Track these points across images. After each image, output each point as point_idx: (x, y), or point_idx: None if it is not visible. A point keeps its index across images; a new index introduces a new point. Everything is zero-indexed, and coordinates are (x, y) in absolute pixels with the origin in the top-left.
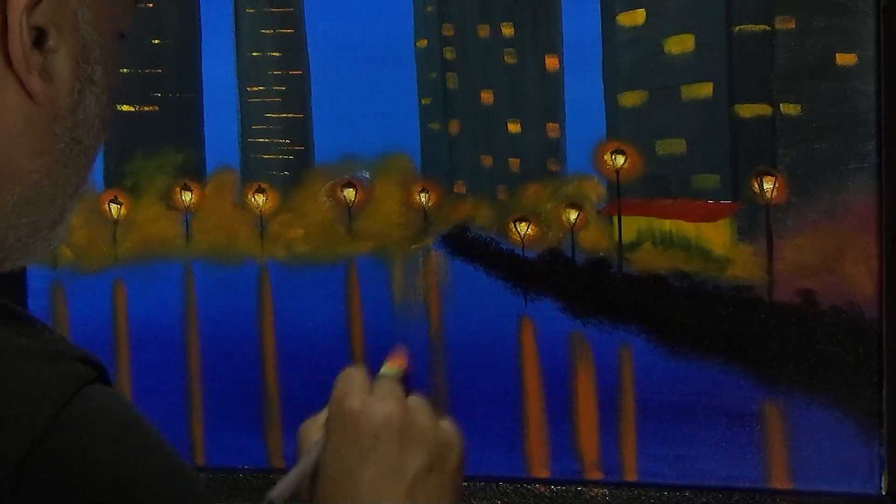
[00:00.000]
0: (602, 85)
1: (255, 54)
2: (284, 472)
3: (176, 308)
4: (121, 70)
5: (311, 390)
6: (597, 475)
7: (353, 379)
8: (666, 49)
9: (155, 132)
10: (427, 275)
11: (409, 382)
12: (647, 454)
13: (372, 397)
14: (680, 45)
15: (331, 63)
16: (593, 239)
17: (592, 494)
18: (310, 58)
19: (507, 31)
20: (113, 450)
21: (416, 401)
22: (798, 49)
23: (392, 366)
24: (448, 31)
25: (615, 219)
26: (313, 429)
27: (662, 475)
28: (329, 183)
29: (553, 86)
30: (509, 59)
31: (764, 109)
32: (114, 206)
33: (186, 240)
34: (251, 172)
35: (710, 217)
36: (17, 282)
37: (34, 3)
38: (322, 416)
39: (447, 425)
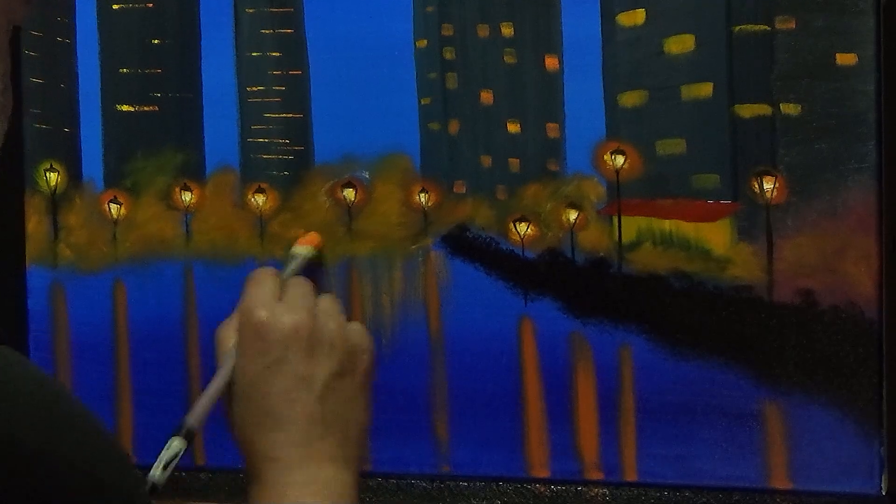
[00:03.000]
0: (602, 85)
1: (254, 54)
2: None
3: (176, 308)
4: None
5: None
6: (597, 475)
7: (261, 284)
8: (666, 49)
9: (155, 132)
10: (427, 275)
11: (320, 269)
12: (647, 454)
13: (280, 306)
14: (680, 45)
15: (331, 63)
16: (593, 239)
17: (592, 494)
18: (310, 58)
19: (507, 31)
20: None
21: (325, 305)
22: (798, 49)
23: (304, 244)
24: (448, 31)
25: (615, 219)
26: (229, 332)
27: (662, 475)
28: (329, 183)
29: (553, 86)
30: (509, 59)
31: (764, 109)
32: (113, 206)
33: (186, 240)
34: (251, 172)
35: (710, 217)
36: (17, 281)
37: None
38: (236, 320)
39: (357, 328)
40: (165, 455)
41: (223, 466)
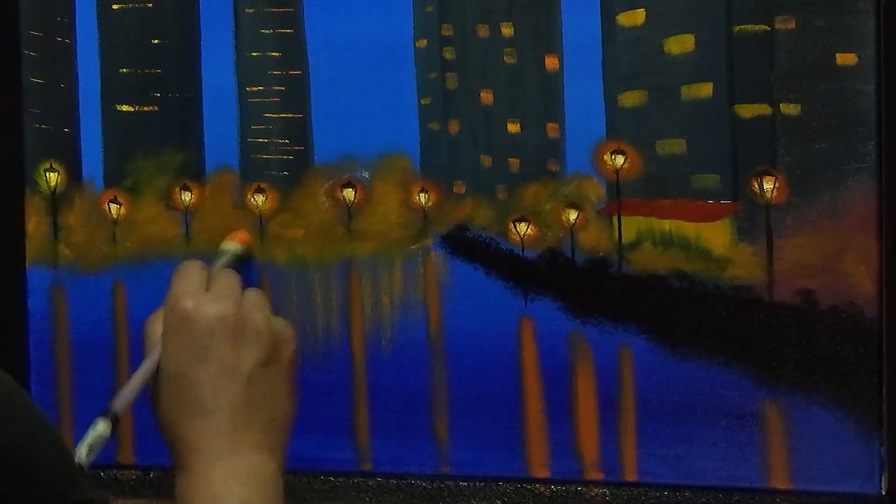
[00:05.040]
0: (602, 85)
1: (254, 54)
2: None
3: None
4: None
5: (312, 390)
6: (597, 475)
7: (188, 276)
8: (666, 49)
9: (154, 132)
10: (427, 275)
11: (248, 265)
12: (647, 454)
13: (206, 296)
14: (680, 45)
15: (331, 63)
16: (593, 239)
17: (592, 494)
18: (310, 58)
19: (507, 31)
20: None
21: (251, 297)
22: (798, 49)
23: (232, 241)
24: (448, 31)
25: (615, 219)
26: (157, 323)
27: (662, 475)
28: (329, 183)
29: (553, 86)
30: (509, 59)
31: (764, 109)
32: (113, 206)
33: (186, 240)
34: (251, 172)
35: (710, 217)
36: (17, 282)
37: None
38: (163, 312)
39: (281, 320)
40: (90, 436)
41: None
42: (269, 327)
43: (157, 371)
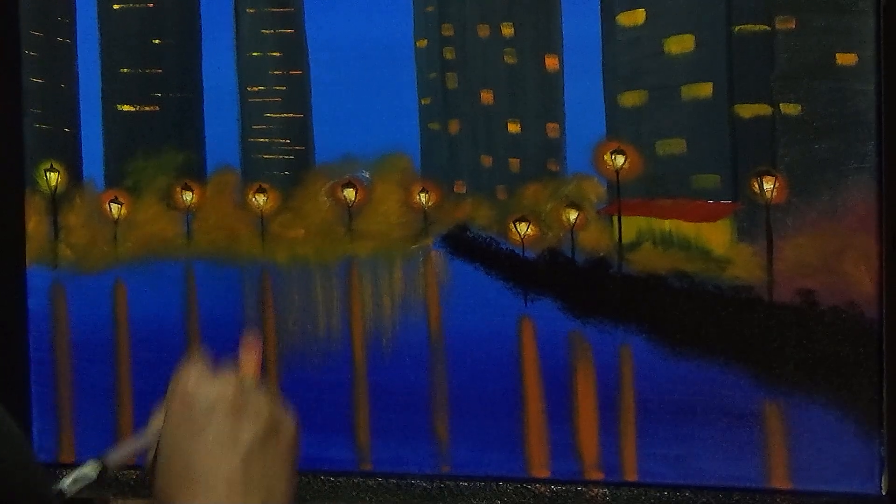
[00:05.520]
0: (602, 85)
1: (255, 54)
2: None
3: (176, 308)
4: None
5: (312, 390)
6: (597, 475)
7: (193, 362)
8: (666, 49)
9: (155, 132)
10: (427, 275)
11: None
12: (647, 454)
13: (208, 376)
14: (680, 45)
15: (331, 63)
16: (593, 239)
17: (592, 494)
18: (310, 58)
19: (507, 31)
20: None
21: (252, 380)
22: (798, 49)
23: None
24: (448, 31)
25: (615, 219)
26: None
27: (662, 475)
28: (329, 183)
29: (553, 86)
30: (509, 59)
31: (764, 109)
32: (114, 206)
33: (187, 240)
34: (251, 172)
35: (710, 217)
36: (17, 282)
37: None
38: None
39: (282, 403)
40: (78, 472)
41: None
42: (270, 407)
43: (156, 447)
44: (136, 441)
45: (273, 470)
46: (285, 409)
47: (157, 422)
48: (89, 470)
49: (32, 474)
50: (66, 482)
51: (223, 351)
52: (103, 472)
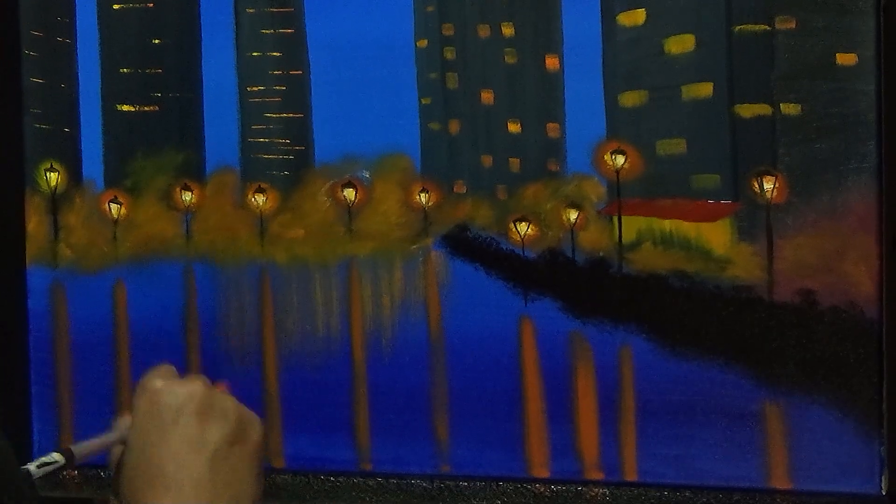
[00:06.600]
0: (602, 85)
1: (255, 54)
2: (285, 472)
3: (176, 308)
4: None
5: (312, 390)
6: (597, 475)
7: (160, 368)
8: (666, 49)
9: (155, 132)
10: (427, 275)
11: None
12: (647, 454)
13: (176, 378)
14: (680, 45)
15: (331, 63)
16: (593, 239)
17: (592, 494)
18: (310, 58)
19: (508, 30)
20: None
21: (219, 386)
22: (798, 49)
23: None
24: (448, 30)
25: (615, 219)
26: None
27: (662, 475)
28: (329, 183)
29: (553, 86)
30: (509, 59)
31: (764, 109)
32: (114, 206)
33: (186, 240)
34: (251, 172)
35: (710, 217)
36: (17, 282)
37: None
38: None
39: (248, 409)
40: (45, 457)
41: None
42: (237, 408)
43: (123, 448)
44: (102, 438)
45: (240, 471)
46: (251, 412)
47: (123, 420)
48: (55, 455)
49: (16, 480)
50: (32, 465)
51: (223, 351)
52: (70, 457)
